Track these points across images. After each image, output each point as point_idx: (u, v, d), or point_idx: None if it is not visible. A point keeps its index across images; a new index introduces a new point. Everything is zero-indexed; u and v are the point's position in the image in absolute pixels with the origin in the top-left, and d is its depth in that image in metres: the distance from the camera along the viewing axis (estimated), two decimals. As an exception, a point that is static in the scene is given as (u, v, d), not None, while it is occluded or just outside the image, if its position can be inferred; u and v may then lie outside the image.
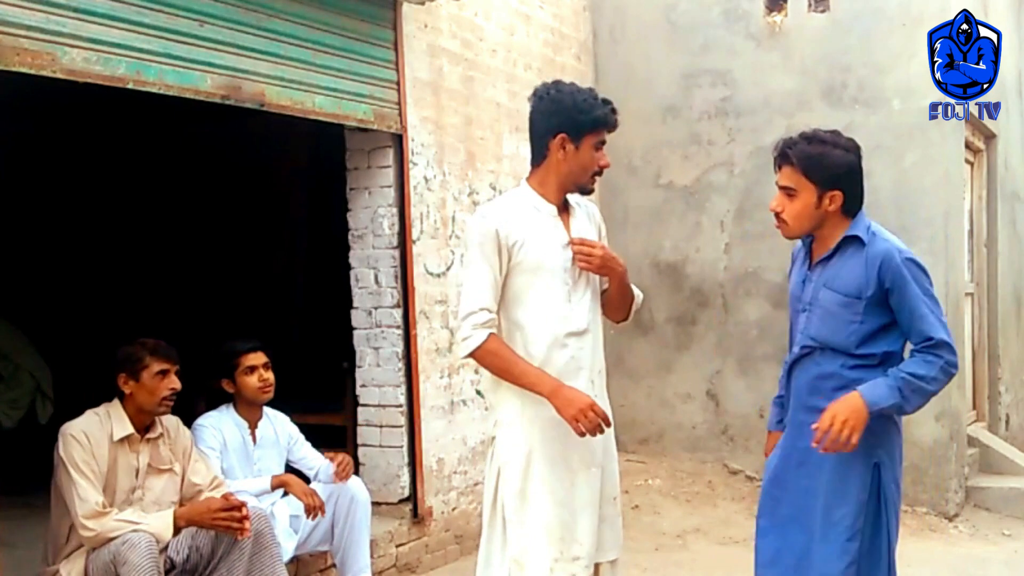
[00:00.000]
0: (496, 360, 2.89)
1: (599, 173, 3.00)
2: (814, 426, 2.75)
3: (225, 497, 3.55)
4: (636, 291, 3.17)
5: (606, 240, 3.16)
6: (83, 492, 3.34)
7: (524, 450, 2.93)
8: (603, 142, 2.97)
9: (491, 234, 2.89)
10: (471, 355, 2.90)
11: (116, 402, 3.56)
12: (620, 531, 3.11)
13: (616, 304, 3.13)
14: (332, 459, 4.20)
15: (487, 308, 2.88)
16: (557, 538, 2.90)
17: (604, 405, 2.99)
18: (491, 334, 2.87)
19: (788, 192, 2.87)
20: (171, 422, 3.72)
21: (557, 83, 3.00)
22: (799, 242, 3.06)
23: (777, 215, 2.90)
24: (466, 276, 2.98)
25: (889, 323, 2.82)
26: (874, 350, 2.83)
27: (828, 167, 2.82)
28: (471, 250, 2.94)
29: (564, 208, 3.03)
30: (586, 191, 3.04)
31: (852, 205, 2.87)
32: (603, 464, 3.01)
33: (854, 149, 2.89)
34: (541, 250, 2.92)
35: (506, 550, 2.94)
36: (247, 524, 3.47)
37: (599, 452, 2.99)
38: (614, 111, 2.96)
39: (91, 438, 3.43)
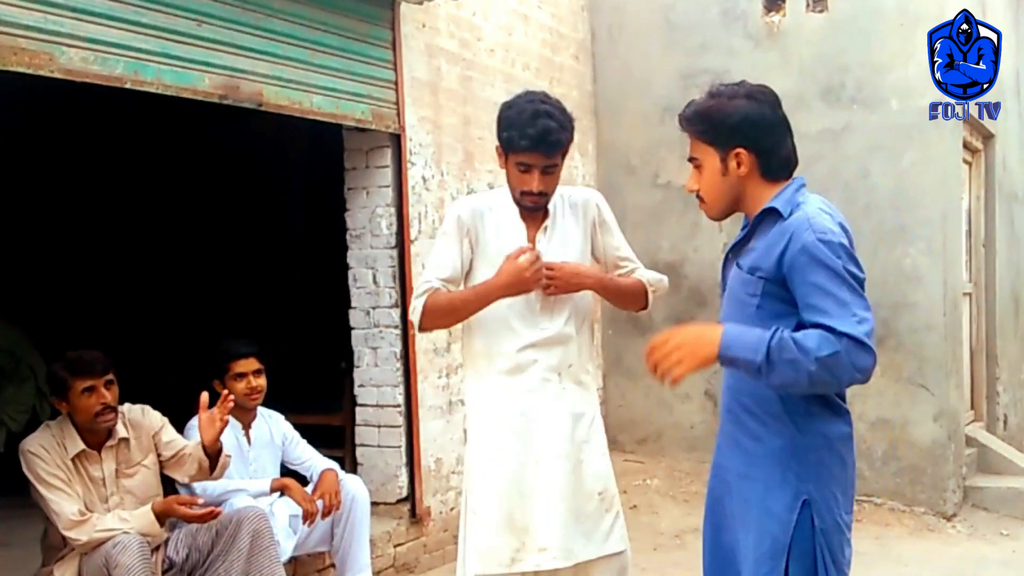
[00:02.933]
0: (440, 310, 2.91)
1: (528, 195, 2.91)
2: (651, 346, 2.28)
3: (194, 500, 3.56)
4: (651, 276, 3.12)
5: (608, 233, 3.09)
6: (57, 506, 3.33)
7: (480, 442, 2.98)
8: (525, 164, 2.87)
9: (454, 221, 2.97)
10: (421, 326, 2.95)
11: (67, 417, 3.50)
12: (606, 528, 3.01)
13: (617, 303, 3.15)
14: (318, 496, 4.11)
15: (429, 281, 2.93)
16: (519, 528, 2.90)
17: (582, 401, 3.00)
18: (427, 293, 2.91)
19: (695, 164, 2.40)
20: (134, 414, 3.64)
21: (520, 96, 2.96)
22: None
23: (698, 196, 2.43)
24: (431, 254, 3.06)
25: (792, 314, 2.23)
26: None
27: (721, 121, 2.32)
28: (437, 237, 3.05)
29: (544, 209, 3.01)
30: (522, 207, 2.96)
31: (770, 166, 2.34)
32: (577, 456, 2.96)
33: (759, 96, 2.36)
34: (499, 255, 2.91)
35: (467, 541, 2.97)
36: (200, 511, 3.49)
37: (563, 443, 2.94)
38: (528, 136, 2.81)
39: (50, 450, 3.40)
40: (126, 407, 3.63)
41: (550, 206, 3.02)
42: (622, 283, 3.08)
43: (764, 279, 2.27)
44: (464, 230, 2.97)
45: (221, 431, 3.50)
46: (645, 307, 3.14)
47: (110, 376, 3.50)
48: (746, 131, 2.32)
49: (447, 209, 3.15)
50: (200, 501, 3.55)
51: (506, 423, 2.95)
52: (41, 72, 3.28)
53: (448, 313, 2.94)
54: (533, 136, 2.82)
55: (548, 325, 2.95)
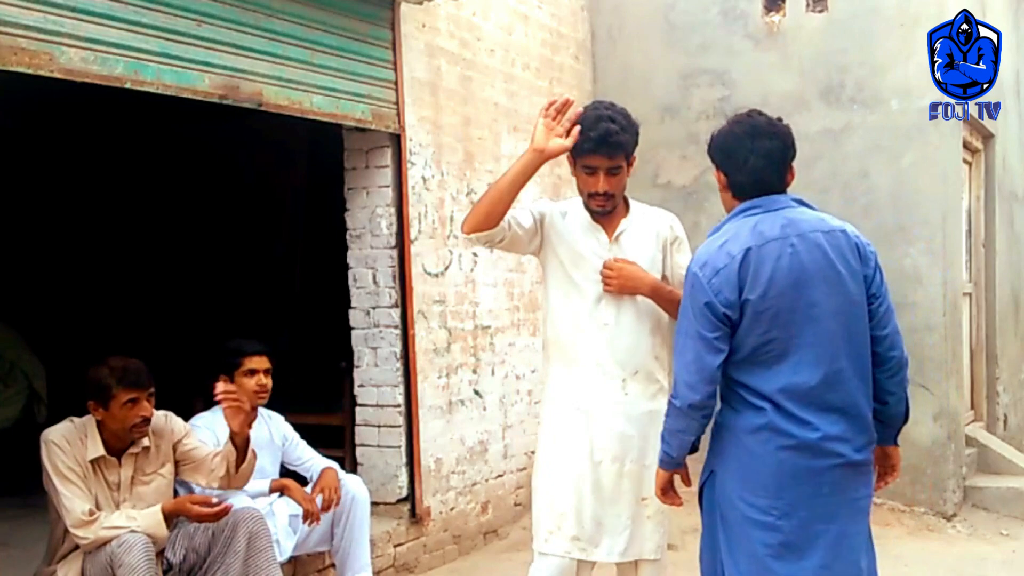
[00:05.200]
0: (481, 202, 3.06)
1: (595, 196, 3.11)
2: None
3: (207, 500, 3.50)
4: None
5: (677, 252, 3.27)
6: (68, 502, 3.32)
7: (549, 430, 3.19)
8: (591, 167, 3.08)
9: (538, 210, 3.19)
10: (468, 229, 3.06)
11: (92, 419, 3.47)
12: (653, 533, 3.19)
13: (673, 313, 3.25)
14: (317, 492, 4.12)
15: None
16: (558, 513, 3.10)
17: (645, 407, 3.13)
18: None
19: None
20: (158, 421, 3.62)
21: (591, 103, 3.19)
22: None
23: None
24: None
25: None
26: None
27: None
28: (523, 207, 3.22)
29: (623, 211, 3.21)
30: (590, 210, 3.16)
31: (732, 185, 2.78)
32: (626, 461, 3.11)
33: (734, 122, 2.79)
34: (574, 252, 3.14)
35: (531, 513, 3.26)
36: (211, 509, 3.44)
37: (618, 447, 3.10)
38: (590, 139, 3.02)
39: (72, 444, 3.39)
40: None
41: (627, 217, 3.20)
42: (677, 295, 3.18)
43: None
44: (541, 219, 3.17)
45: (247, 419, 3.51)
46: None
47: (152, 388, 3.49)
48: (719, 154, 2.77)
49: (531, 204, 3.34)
50: (214, 500, 3.50)
51: (566, 415, 3.14)
52: (41, 72, 3.28)
53: (490, 202, 3.03)
54: (595, 138, 3.02)
55: (611, 322, 3.11)
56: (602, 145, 3.03)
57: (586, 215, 3.17)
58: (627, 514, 3.12)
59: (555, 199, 4.46)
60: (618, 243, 3.16)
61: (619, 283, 3.08)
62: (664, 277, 3.23)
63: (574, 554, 3.09)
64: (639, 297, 3.12)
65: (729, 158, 2.71)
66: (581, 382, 3.12)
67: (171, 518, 3.48)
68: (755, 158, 2.67)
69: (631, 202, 3.25)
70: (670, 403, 2.69)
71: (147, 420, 3.47)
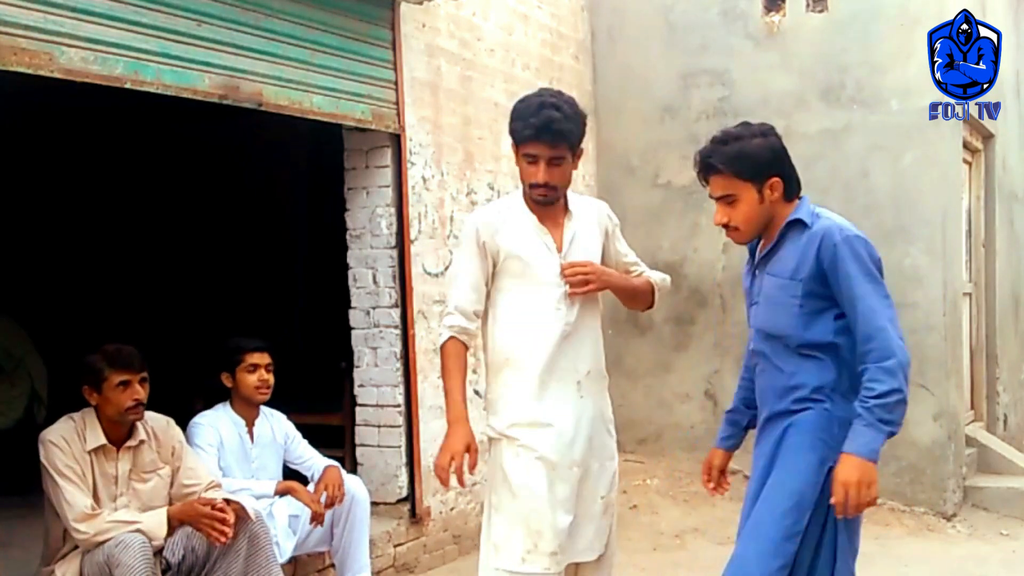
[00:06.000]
0: (442, 364, 3.09)
1: (537, 187, 2.98)
2: (833, 501, 2.54)
3: (213, 502, 3.48)
4: (655, 275, 3.28)
5: (617, 240, 3.21)
6: (70, 497, 3.32)
7: (508, 443, 3.05)
8: (531, 155, 2.96)
9: (472, 234, 3.05)
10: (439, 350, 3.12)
11: (91, 410, 3.50)
12: (605, 531, 3.12)
13: (630, 302, 3.29)
14: (321, 490, 4.10)
15: (461, 309, 3.04)
16: (534, 531, 2.96)
17: (597, 407, 3.09)
18: (451, 337, 3.05)
19: (727, 200, 2.74)
20: (159, 423, 3.64)
21: (534, 92, 3.06)
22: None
23: (726, 226, 2.78)
24: (452, 272, 3.16)
25: (829, 309, 2.65)
26: (818, 339, 2.64)
27: (755, 159, 2.69)
28: (459, 247, 3.16)
29: (564, 209, 3.09)
30: (534, 200, 3.04)
31: (791, 188, 2.75)
32: (587, 463, 3.04)
33: (770, 132, 2.76)
34: (525, 260, 3.02)
35: (489, 534, 3.06)
36: (227, 531, 3.40)
37: (580, 451, 3.02)
38: (531, 126, 2.90)
39: (70, 442, 3.40)
40: (152, 415, 3.62)
41: (572, 209, 3.10)
42: (635, 283, 3.22)
43: (803, 280, 2.64)
44: (479, 243, 3.04)
45: (214, 533, 3.42)
46: (651, 305, 3.32)
47: (145, 373, 3.52)
48: (776, 163, 2.71)
49: (466, 220, 3.23)
50: (219, 502, 3.46)
51: (523, 430, 3.02)
52: (41, 72, 3.28)
53: (441, 374, 3.13)
54: (536, 125, 2.91)
55: (571, 324, 3.02)
56: (544, 132, 2.90)
57: (531, 218, 3.04)
58: (591, 513, 3.06)
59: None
60: (571, 243, 3.06)
61: (599, 282, 3.02)
62: (605, 266, 3.16)
63: (553, 569, 2.97)
64: (592, 295, 3.06)
65: (786, 163, 2.74)
66: (535, 390, 3.00)
67: (174, 522, 3.46)
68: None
69: (568, 195, 3.12)
70: (888, 369, 2.50)
71: (140, 403, 3.48)
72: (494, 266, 3.05)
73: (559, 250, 3.04)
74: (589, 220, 3.13)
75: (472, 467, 2.95)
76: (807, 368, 2.67)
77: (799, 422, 2.68)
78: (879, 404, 2.49)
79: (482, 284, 3.05)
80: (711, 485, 3.15)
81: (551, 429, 2.99)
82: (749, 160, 2.69)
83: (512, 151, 3.08)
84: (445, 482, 2.98)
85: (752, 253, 2.91)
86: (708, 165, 2.75)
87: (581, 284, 2.99)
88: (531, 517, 2.97)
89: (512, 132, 3.00)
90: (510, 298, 3.05)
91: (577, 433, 3.01)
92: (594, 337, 3.11)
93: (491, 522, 3.07)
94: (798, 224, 2.70)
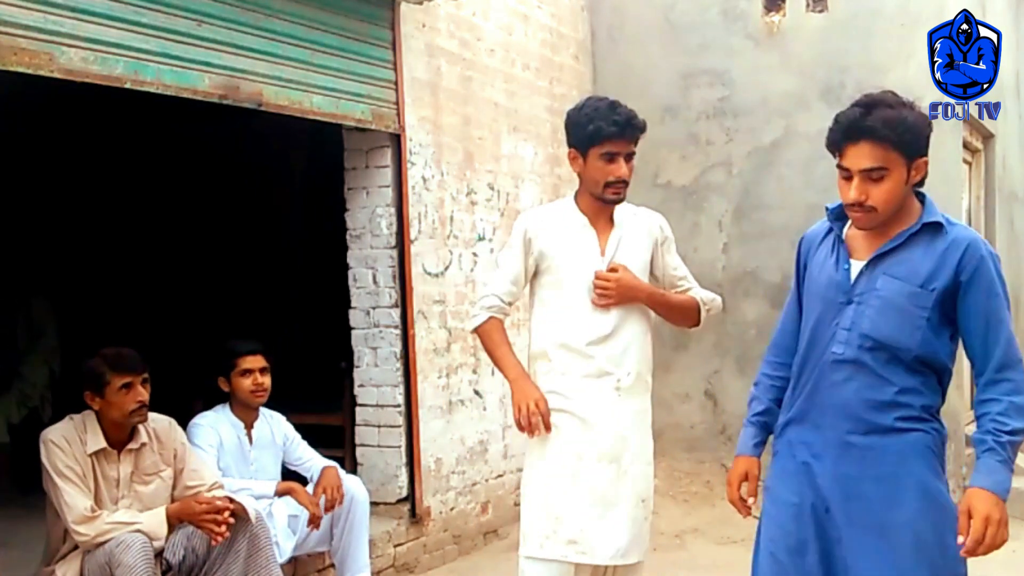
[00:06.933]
0: (487, 341, 3.20)
1: (615, 184, 3.07)
2: (962, 541, 2.38)
3: (212, 501, 3.48)
4: (705, 295, 3.32)
5: (668, 253, 3.28)
6: (70, 498, 3.31)
7: (540, 437, 3.09)
8: (611, 153, 3.04)
9: (521, 232, 3.17)
10: (474, 331, 3.25)
11: (91, 412, 3.48)
12: (646, 535, 3.17)
13: (669, 318, 3.30)
14: (319, 493, 4.09)
15: (498, 295, 3.18)
16: (553, 517, 3.04)
17: (637, 409, 3.14)
18: (491, 317, 3.18)
19: (873, 175, 2.31)
20: (161, 424, 3.63)
21: (587, 99, 3.17)
22: (813, 228, 2.62)
23: (860, 204, 2.35)
24: (497, 262, 3.31)
25: (948, 327, 2.41)
26: (935, 357, 2.42)
27: (917, 131, 2.30)
28: (508, 242, 3.26)
29: (609, 220, 3.17)
30: (605, 201, 3.12)
31: (925, 176, 2.40)
32: (626, 464, 3.09)
33: (916, 106, 2.39)
34: (568, 260, 3.11)
35: (521, 526, 3.17)
36: (224, 531, 3.41)
37: (611, 448, 3.07)
38: (616, 123, 3.01)
39: (71, 443, 3.39)
40: (154, 416, 3.61)
41: (616, 217, 3.17)
42: (673, 299, 3.25)
43: (936, 291, 2.34)
44: (526, 243, 3.15)
45: (211, 528, 3.43)
46: (697, 324, 3.33)
47: (146, 374, 3.51)
48: (928, 141, 2.35)
49: (518, 217, 3.34)
50: (218, 502, 3.47)
51: (557, 420, 3.08)
52: (41, 72, 3.28)
53: (487, 351, 3.23)
54: (620, 121, 3.01)
55: (609, 327, 3.08)
56: (627, 127, 3.02)
57: (581, 219, 3.14)
58: (628, 516, 3.08)
59: (554, 199, 4.46)
60: (616, 246, 3.14)
61: (618, 295, 3.06)
62: (654, 277, 3.23)
63: (571, 558, 3.03)
64: (636, 303, 3.12)
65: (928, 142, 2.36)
66: (574, 387, 3.08)
67: (173, 521, 3.46)
68: None
69: (622, 205, 3.21)
70: (1022, 408, 2.35)
71: (144, 404, 3.48)
72: (537, 264, 3.15)
73: (602, 254, 3.11)
74: (639, 229, 3.20)
75: (546, 416, 3.03)
76: (917, 385, 2.47)
77: (917, 444, 2.54)
78: (1012, 442, 2.32)
79: (521, 278, 3.18)
80: (750, 500, 2.70)
81: (581, 421, 3.06)
82: (912, 131, 2.29)
83: (572, 157, 3.13)
84: (531, 429, 3.04)
85: (823, 244, 2.55)
86: (864, 128, 2.29)
87: (603, 295, 3.06)
88: (551, 502, 3.05)
89: (591, 133, 3.03)
90: (550, 295, 3.14)
91: (610, 430, 3.06)
92: (640, 343, 3.15)
93: (521, 514, 3.17)
94: (936, 227, 2.37)
